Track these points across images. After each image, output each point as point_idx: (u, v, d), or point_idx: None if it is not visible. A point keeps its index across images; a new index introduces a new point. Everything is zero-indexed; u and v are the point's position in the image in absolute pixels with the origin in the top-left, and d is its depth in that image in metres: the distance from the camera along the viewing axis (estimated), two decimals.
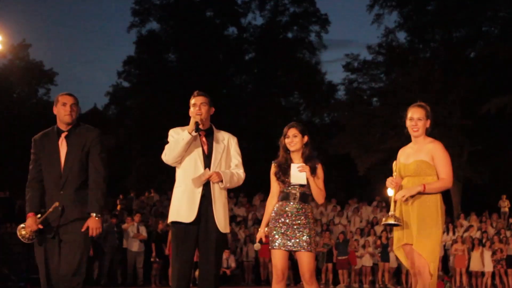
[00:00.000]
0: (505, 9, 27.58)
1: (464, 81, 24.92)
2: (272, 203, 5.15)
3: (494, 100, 23.59)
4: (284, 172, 5.08)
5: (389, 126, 24.10)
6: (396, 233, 4.96)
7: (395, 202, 4.88)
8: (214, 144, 5.05)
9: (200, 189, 4.92)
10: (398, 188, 4.94)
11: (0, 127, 27.39)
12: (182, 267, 4.88)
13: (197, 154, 4.99)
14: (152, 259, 16.04)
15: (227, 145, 5.14)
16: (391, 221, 4.78)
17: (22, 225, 4.86)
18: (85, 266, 4.83)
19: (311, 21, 36.19)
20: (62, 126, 4.98)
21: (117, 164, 34.26)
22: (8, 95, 32.10)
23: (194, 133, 4.91)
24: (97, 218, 4.84)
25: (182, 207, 4.91)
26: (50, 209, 4.79)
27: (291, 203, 5.05)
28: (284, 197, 5.09)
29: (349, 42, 67.00)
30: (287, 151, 5.14)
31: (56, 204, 4.79)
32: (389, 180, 4.95)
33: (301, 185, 5.05)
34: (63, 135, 4.95)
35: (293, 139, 5.09)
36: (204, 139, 5.06)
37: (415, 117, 4.96)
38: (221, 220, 4.95)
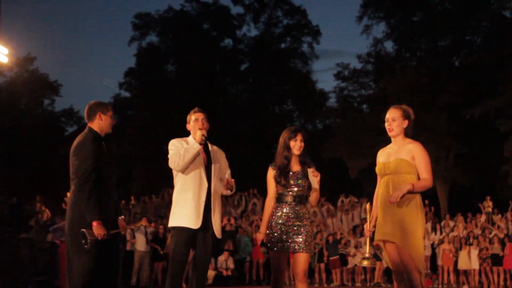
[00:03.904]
0: (487, 19, 27.69)
1: (449, 88, 24.99)
2: (271, 205, 5.02)
3: (478, 105, 23.64)
4: (285, 175, 4.95)
5: (378, 131, 24.11)
6: (379, 229, 4.81)
7: (370, 239, 4.87)
8: (212, 156, 5.23)
9: (204, 198, 5.06)
10: (373, 221, 4.90)
11: (8, 137, 27.33)
12: (181, 268, 5.03)
13: (199, 164, 5.13)
14: (161, 253, 15.83)
15: (220, 157, 5.31)
16: (366, 265, 5.08)
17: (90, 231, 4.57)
18: None
19: (303, 32, 36.30)
20: None
21: (119, 171, 34.16)
22: (16, 105, 32.05)
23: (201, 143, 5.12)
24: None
25: (191, 213, 5.02)
26: (137, 225, 4.72)
27: (290, 205, 4.96)
28: (283, 199, 4.98)
29: (339, 52, 67.08)
30: (289, 153, 4.99)
31: (143, 223, 4.69)
32: (365, 228, 4.95)
33: (299, 188, 4.96)
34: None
35: (301, 144, 4.98)
36: (202, 150, 5.21)
37: (390, 118, 4.84)
38: (218, 227, 5.12)
